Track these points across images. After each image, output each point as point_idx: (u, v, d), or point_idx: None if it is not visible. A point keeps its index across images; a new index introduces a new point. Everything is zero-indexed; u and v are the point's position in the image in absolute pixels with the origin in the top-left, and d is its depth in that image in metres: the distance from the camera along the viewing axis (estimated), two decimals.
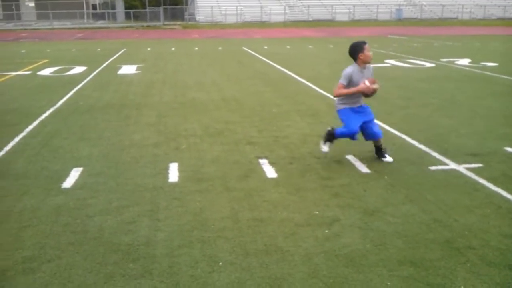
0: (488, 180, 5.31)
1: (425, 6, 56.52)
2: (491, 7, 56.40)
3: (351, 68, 5.67)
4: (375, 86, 5.61)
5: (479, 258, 3.71)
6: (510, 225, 4.25)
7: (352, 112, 5.80)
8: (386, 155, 6.00)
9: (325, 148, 6.03)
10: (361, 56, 5.61)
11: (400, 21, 51.48)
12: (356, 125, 5.75)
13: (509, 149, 6.44)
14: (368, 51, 5.62)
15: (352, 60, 5.75)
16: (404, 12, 54.62)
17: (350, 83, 5.63)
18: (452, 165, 5.81)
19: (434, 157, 6.11)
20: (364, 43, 5.67)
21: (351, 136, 5.85)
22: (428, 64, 16.16)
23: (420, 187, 5.12)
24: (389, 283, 3.38)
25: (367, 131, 5.89)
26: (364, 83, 5.57)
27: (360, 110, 5.84)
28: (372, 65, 5.93)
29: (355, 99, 5.78)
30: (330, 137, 5.98)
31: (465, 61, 16.81)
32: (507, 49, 21.86)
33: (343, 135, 5.89)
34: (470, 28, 41.74)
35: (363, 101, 5.91)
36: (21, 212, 4.55)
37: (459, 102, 9.70)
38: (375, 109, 8.90)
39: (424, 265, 3.61)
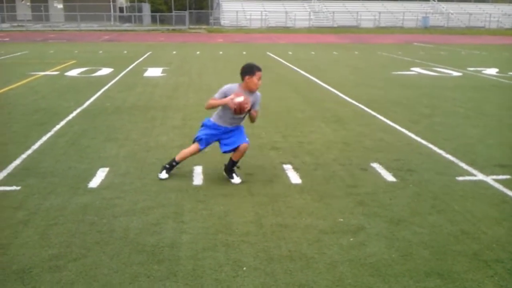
0: None
1: (452, 14, 55.89)
2: None
3: (234, 85, 5.21)
4: (238, 99, 5.00)
5: (507, 271, 3.64)
6: None
7: (213, 130, 5.37)
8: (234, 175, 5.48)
9: (163, 175, 5.47)
10: (247, 79, 5.16)
11: (426, 29, 50.97)
12: (203, 144, 5.40)
13: None
14: (258, 79, 5.16)
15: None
16: (430, 20, 54.07)
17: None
18: (480, 176, 5.72)
19: (462, 167, 6.02)
20: (259, 69, 5.19)
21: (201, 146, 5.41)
22: (455, 73, 15.95)
23: (447, 198, 5.05)
24: None
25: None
26: (231, 97, 5.06)
27: (225, 131, 5.37)
28: (259, 94, 5.38)
29: (231, 120, 5.30)
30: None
31: (492, 71, 16.56)
32: None
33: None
34: (498, 37, 41.14)
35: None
36: (48, 211, 4.61)
37: (487, 112, 9.55)
38: (400, 116, 8.89)
39: (451, 277, 3.55)
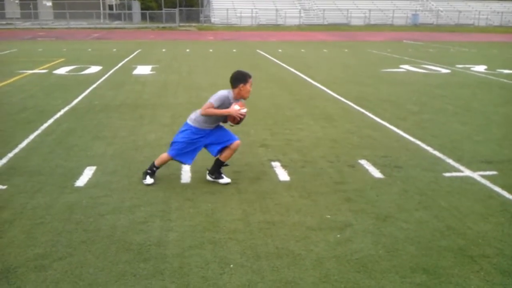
0: (503, 188, 5.25)
1: (441, 12, 56.15)
2: (508, 14, 55.86)
3: (227, 92, 5.10)
4: (244, 110, 5.05)
5: (493, 266, 3.66)
6: None
7: (195, 138, 5.19)
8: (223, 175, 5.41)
9: (148, 180, 5.34)
10: (241, 87, 5.05)
11: (416, 27, 51.18)
12: (190, 159, 5.25)
13: None
14: (250, 86, 5.10)
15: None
16: (420, 17, 54.28)
17: (221, 106, 5.06)
18: (467, 172, 5.75)
19: (449, 164, 6.05)
20: (250, 76, 5.12)
21: (180, 160, 5.27)
22: (444, 70, 16.03)
23: (434, 194, 5.07)
24: None
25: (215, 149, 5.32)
26: (234, 107, 5.03)
27: (209, 133, 5.23)
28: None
29: (215, 123, 5.23)
30: (154, 168, 5.38)
31: (481, 68, 16.66)
32: None
33: (175, 157, 5.25)
34: (487, 34, 41.39)
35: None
36: (34, 210, 4.58)
37: (474, 108, 9.61)
38: (389, 113, 8.92)
39: (437, 272, 3.57)
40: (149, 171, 5.39)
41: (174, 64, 17.21)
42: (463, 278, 3.50)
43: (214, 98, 5.07)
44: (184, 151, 5.22)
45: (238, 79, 5.09)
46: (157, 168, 5.41)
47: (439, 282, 3.44)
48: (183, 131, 5.26)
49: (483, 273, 3.57)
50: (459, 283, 3.44)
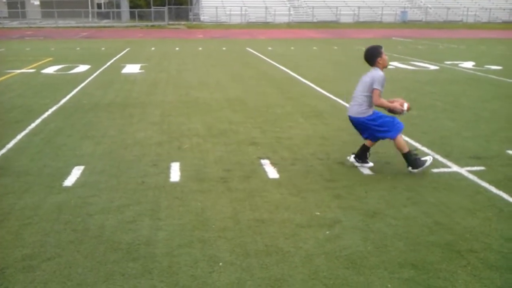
0: (491, 183, 5.29)
1: (430, 8, 56.41)
2: (496, 11, 56.27)
3: (379, 73, 5.44)
4: (406, 110, 5.68)
5: (480, 261, 3.69)
6: None
7: (377, 114, 5.62)
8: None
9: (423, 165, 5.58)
10: (380, 60, 5.48)
11: (405, 23, 51.40)
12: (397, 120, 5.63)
13: None
14: (385, 55, 5.54)
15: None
16: (408, 14, 54.51)
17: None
18: (455, 168, 5.79)
19: (437, 160, 6.09)
20: (381, 47, 5.55)
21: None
22: (432, 67, 16.12)
23: (422, 190, 5.10)
24: (389, 285, 3.36)
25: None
26: (402, 106, 5.60)
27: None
28: None
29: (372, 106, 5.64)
30: (413, 156, 5.59)
31: (469, 64, 16.77)
32: None
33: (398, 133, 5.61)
34: (475, 31, 41.66)
35: None
36: (22, 210, 4.55)
37: (463, 105, 9.67)
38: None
39: (425, 267, 3.60)
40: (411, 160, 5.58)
41: (163, 63, 17.16)
42: (450, 273, 3.52)
43: (377, 84, 5.41)
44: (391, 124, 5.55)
45: (374, 55, 5.50)
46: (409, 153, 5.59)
47: (427, 277, 3.46)
48: (378, 122, 5.54)
49: (471, 267, 3.60)
50: (447, 278, 3.46)
